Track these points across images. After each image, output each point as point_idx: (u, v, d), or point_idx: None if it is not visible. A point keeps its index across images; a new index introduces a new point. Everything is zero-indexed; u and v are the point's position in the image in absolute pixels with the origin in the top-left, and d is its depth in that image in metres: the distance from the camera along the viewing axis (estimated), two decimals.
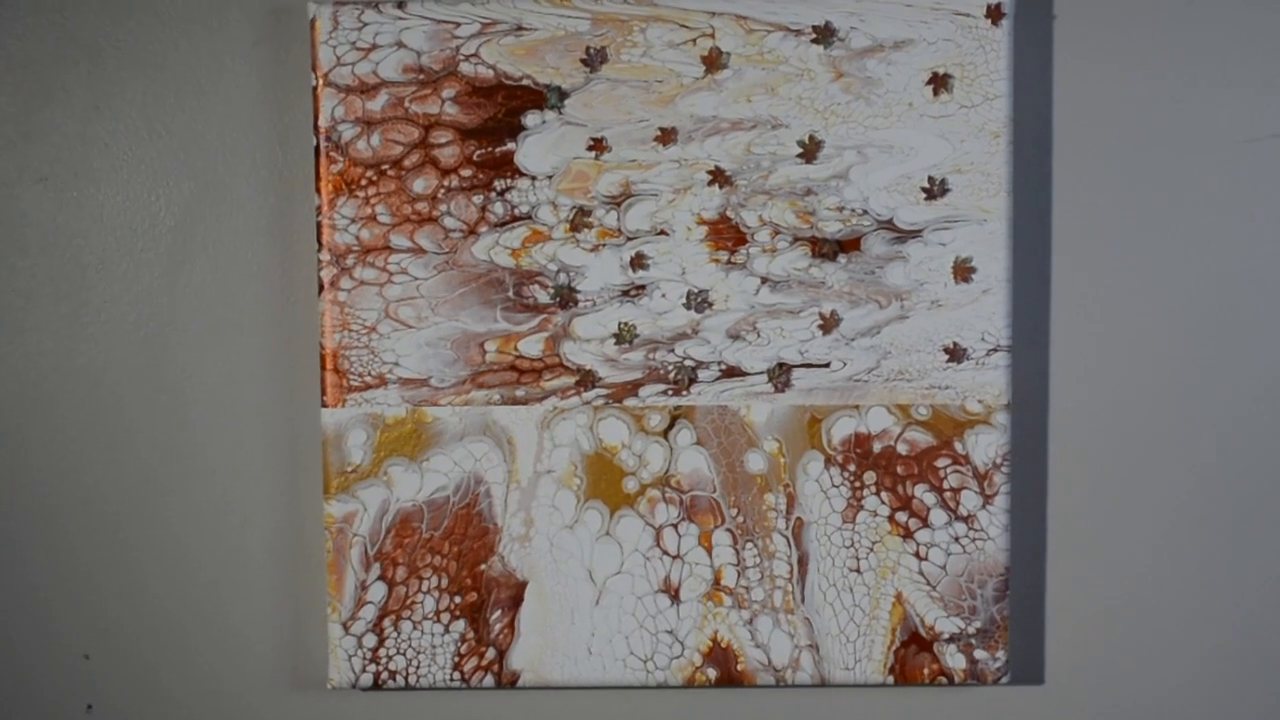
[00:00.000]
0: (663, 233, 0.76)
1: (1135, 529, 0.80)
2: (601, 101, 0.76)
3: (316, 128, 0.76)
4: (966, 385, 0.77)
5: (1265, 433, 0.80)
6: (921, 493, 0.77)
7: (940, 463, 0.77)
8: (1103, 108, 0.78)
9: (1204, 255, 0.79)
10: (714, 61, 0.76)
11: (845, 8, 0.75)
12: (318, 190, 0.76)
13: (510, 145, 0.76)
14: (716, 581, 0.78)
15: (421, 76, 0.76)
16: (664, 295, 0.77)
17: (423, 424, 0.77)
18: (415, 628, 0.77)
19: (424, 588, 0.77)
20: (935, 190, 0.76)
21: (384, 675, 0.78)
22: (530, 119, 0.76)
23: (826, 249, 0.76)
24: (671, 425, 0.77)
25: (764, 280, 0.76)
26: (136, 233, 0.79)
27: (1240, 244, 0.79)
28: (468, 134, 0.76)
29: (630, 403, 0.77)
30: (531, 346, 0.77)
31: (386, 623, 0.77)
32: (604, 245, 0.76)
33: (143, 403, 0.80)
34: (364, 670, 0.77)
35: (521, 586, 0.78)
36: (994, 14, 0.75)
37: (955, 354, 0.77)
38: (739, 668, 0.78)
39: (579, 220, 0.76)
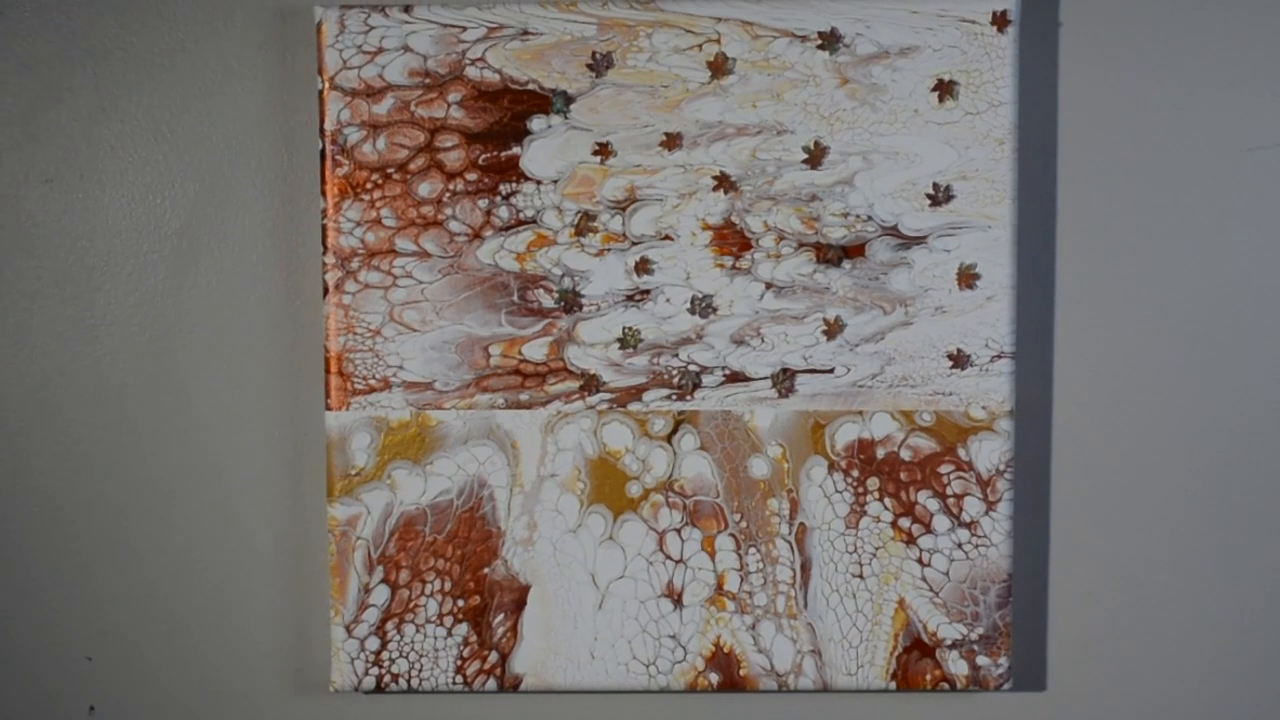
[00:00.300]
0: (667, 238, 0.77)
1: (1138, 536, 0.80)
2: (607, 106, 0.76)
3: (322, 131, 0.76)
4: (970, 392, 0.77)
5: (1269, 440, 0.80)
6: (925, 499, 0.77)
7: (944, 469, 0.77)
8: (1108, 115, 0.78)
9: (1209, 263, 0.79)
10: (720, 67, 0.76)
11: (851, 14, 0.75)
12: (323, 193, 0.76)
13: (516, 149, 0.76)
14: (719, 586, 0.78)
15: (427, 80, 0.76)
16: (668, 300, 0.77)
17: (427, 427, 0.77)
18: (418, 631, 0.77)
19: (427, 591, 0.77)
20: (940, 196, 0.76)
21: (386, 678, 0.78)
22: (536, 123, 0.76)
23: (831, 255, 0.76)
24: (675, 430, 0.77)
25: (768, 285, 0.77)
26: (142, 234, 0.79)
27: (1245, 251, 0.79)
28: (473, 138, 0.76)
29: (634, 407, 0.77)
30: (536, 351, 0.77)
31: (389, 626, 0.77)
32: (609, 250, 0.77)
33: (147, 405, 0.80)
34: (366, 673, 0.78)
35: (524, 590, 0.78)
36: (1000, 21, 0.75)
37: (959, 360, 0.77)
38: (741, 673, 0.78)
39: (584, 225, 0.76)
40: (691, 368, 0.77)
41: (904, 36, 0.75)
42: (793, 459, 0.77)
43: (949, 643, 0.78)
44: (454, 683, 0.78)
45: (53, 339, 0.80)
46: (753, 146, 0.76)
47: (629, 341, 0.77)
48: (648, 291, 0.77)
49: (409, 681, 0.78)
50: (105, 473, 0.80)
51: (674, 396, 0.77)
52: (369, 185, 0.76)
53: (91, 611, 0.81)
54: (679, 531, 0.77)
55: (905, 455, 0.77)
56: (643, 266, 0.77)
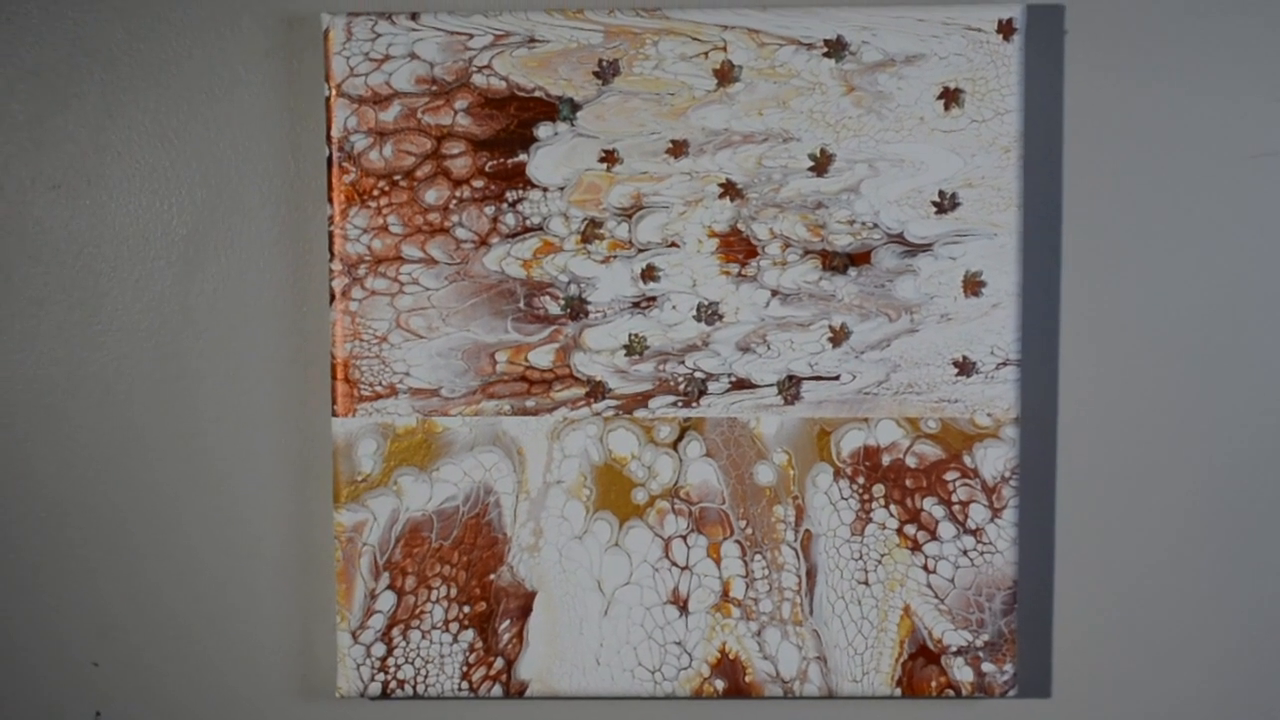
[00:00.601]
0: (674, 245, 0.77)
1: (1143, 543, 0.80)
2: (613, 113, 0.76)
3: (329, 138, 0.76)
4: (976, 399, 0.77)
5: (1274, 447, 0.80)
6: (930, 506, 0.77)
7: (949, 476, 0.77)
8: (1113, 123, 0.79)
9: (1214, 270, 0.79)
10: (726, 74, 0.76)
11: (857, 22, 0.75)
12: (330, 200, 0.76)
13: (522, 156, 0.76)
14: (725, 593, 0.78)
15: (434, 88, 0.76)
16: (674, 307, 0.77)
17: (433, 434, 0.77)
18: (424, 637, 0.78)
19: (433, 597, 0.77)
20: (946, 204, 0.76)
21: (392, 684, 0.78)
22: (542, 130, 0.76)
23: (837, 262, 0.77)
24: (681, 437, 0.77)
25: (774, 293, 0.77)
26: (148, 241, 0.80)
27: (1250, 258, 0.79)
28: (480, 145, 0.76)
29: (640, 414, 0.77)
30: (542, 357, 0.77)
31: (395, 632, 0.77)
32: (615, 257, 0.77)
33: (153, 411, 0.80)
34: (372, 679, 0.78)
35: (530, 596, 0.78)
36: (1006, 29, 0.75)
37: (964, 368, 0.77)
38: (747, 679, 0.78)
39: (590, 232, 0.77)
40: (697, 374, 0.77)
41: (910, 44, 0.76)
42: (798, 466, 0.77)
43: (954, 649, 0.78)
44: (460, 689, 0.78)
45: (60, 345, 0.80)
46: (759, 154, 0.76)
47: (635, 348, 0.77)
48: (654, 298, 0.77)
49: (415, 687, 0.78)
50: (112, 478, 0.80)
51: (680, 403, 0.77)
52: (376, 192, 0.76)
53: (98, 617, 0.81)
54: (684, 538, 0.78)
55: (911, 462, 0.77)
56: (649, 273, 0.77)
